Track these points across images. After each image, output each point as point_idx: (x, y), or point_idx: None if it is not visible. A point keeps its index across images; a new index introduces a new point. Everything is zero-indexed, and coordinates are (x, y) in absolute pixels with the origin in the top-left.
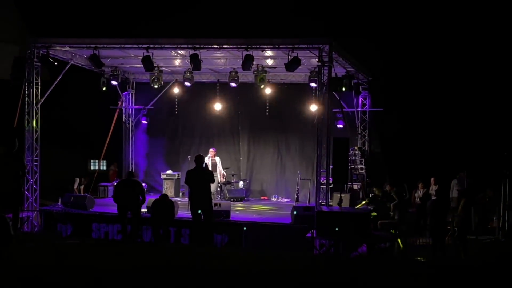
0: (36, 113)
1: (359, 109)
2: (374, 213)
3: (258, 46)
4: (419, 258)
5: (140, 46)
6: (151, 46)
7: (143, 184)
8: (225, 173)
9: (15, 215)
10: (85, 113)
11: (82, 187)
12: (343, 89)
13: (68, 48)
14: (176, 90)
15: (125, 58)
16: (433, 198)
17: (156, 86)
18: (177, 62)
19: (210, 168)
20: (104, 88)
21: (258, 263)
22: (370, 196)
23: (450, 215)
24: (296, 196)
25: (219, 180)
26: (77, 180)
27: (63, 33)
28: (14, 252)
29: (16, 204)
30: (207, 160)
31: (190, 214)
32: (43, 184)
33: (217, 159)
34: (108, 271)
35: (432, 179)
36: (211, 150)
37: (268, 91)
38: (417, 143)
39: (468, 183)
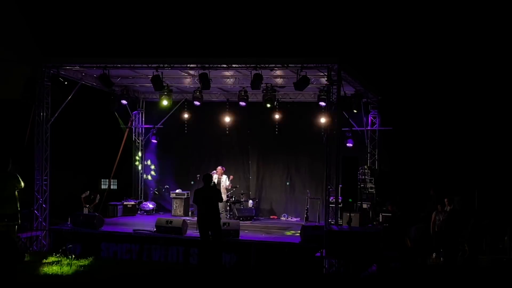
0: (46, 133)
1: (368, 128)
2: None
3: (267, 65)
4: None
5: (149, 65)
6: (161, 65)
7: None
8: (228, 186)
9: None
10: (95, 132)
11: (93, 203)
12: (354, 110)
13: (78, 67)
14: (185, 111)
15: (135, 78)
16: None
17: (168, 104)
18: (187, 81)
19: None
20: (114, 108)
21: None
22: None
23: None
24: (305, 215)
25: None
26: (87, 192)
27: (73, 53)
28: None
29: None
30: (214, 178)
31: (198, 234)
32: (53, 203)
33: (224, 177)
34: None
35: (446, 200)
36: (219, 168)
37: (277, 110)
38: (427, 163)
39: (478, 203)
